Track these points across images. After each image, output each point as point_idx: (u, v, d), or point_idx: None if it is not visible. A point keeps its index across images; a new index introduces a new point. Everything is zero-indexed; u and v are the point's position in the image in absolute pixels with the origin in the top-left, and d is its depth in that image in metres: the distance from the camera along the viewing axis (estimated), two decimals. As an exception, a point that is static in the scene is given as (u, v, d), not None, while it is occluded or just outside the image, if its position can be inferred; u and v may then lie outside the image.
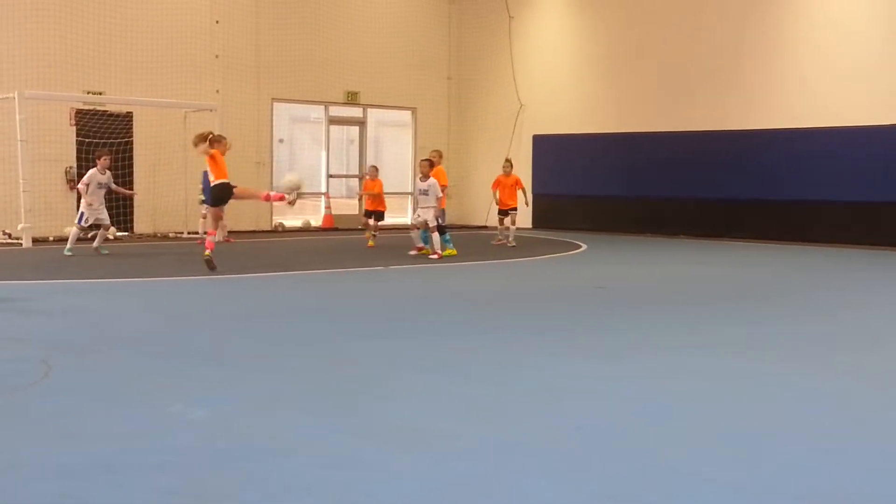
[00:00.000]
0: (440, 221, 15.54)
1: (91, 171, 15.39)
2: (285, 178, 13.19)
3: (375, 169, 18.48)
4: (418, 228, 15.94)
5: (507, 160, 19.13)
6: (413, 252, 15.82)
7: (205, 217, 17.52)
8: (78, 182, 16.18)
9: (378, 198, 18.00)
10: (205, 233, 16.93)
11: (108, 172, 15.51)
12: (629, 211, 22.35)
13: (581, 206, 23.21)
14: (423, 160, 16.17)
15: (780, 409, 5.67)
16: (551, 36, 24.17)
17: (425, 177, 15.60)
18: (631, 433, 5.03)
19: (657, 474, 4.31)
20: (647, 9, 22.17)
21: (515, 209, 18.33)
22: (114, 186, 15.74)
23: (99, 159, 15.51)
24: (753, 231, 20.15)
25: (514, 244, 17.94)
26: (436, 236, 15.40)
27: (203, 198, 17.25)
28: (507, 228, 18.32)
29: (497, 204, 18.61)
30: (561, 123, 23.51)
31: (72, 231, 15.32)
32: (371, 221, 17.84)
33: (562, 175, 23.46)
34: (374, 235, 17.70)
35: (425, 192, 15.56)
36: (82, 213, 15.20)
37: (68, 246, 15.03)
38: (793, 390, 6.20)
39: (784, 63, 19.93)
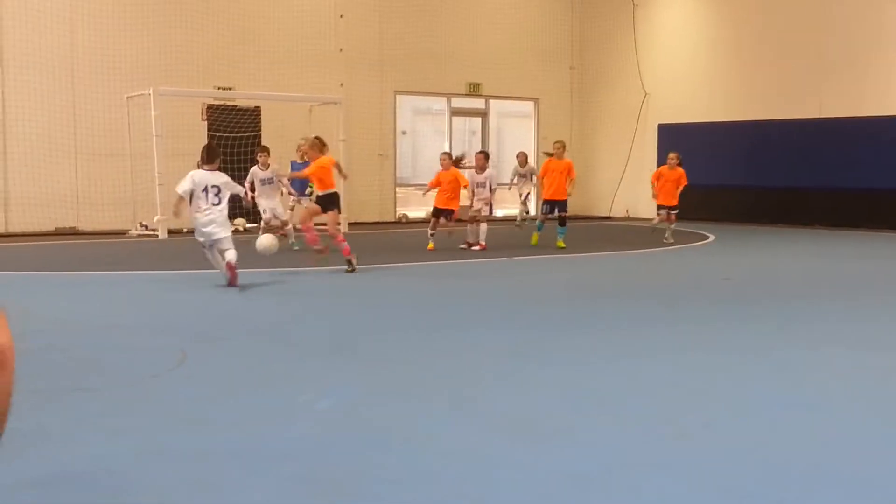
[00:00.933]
0: (548, 211, 15.63)
1: (252, 169, 15.55)
2: (261, 244, 11.99)
3: (448, 157, 15.70)
4: (476, 222, 15.53)
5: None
6: (464, 246, 15.36)
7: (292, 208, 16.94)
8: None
9: (449, 193, 15.11)
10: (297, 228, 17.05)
11: (270, 167, 15.47)
12: (757, 201, 21.73)
13: (708, 196, 22.68)
14: (478, 153, 16.35)
15: (921, 408, 5.42)
16: (676, 23, 23.69)
17: (481, 169, 15.69)
18: (761, 433, 4.88)
19: (787, 475, 4.17)
20: (777, -8, 21.50)
21: (675, 207, 17.02)
22: (283, 180, 15.62)
23: (259, 156, 15.64)
24: (893, 221, 19.30)
25: (672, 241, 16.68)
26: (483, 227, 15.35)
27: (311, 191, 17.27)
28: (664, 222, 17.07)
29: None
30: (686, 112, 23.01)
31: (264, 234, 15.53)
32: (442, 221, 15.31)
33: (688, 164, 22.81)
34: (450, 233, 15.56)
35: (482, 185, 15.61)
36: (264, 210, 15.37)
37: (290, 240, 15.29)
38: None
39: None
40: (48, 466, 4.21)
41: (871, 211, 19.77)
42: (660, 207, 17.14)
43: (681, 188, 16.88)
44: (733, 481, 4.06)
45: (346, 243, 11.85)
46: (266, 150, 15.90)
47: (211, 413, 5.21)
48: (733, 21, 22.39)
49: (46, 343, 7.09)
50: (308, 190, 17.33)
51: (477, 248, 15.16)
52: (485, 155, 16.09)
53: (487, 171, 15.71)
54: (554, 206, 15.67)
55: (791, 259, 14.57)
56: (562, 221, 15.53)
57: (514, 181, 19.35)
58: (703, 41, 23.13)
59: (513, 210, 21.08)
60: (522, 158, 19.90)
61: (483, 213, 15.58)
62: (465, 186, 15.25)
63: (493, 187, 15.74)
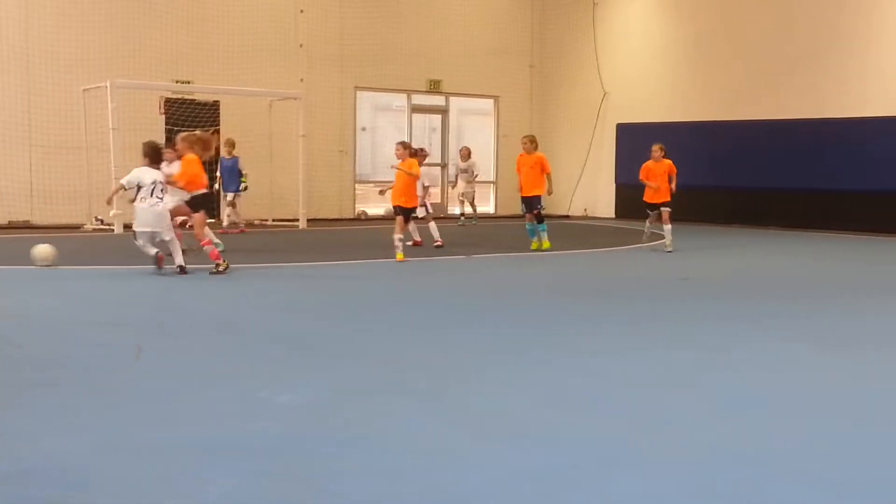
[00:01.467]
0: (526, 210, 15.02)
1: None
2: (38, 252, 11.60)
3: (403, 146, 13.68)
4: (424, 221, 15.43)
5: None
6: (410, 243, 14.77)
7: (232, 206, 17.90)
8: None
9: (404, 188, 13.27)
10: (234, 223, 17.55)
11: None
12: (715, 201, 21.93)
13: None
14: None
15: (870, 399, 5.51)
16: (636, 22, 23.85)
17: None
18: (722, 427, 4.93)
19: (748, 469, 4.21)
20: (736, -6, 21.73)
21: (668, 203, 15.01)
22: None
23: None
24: (847, 222, 19.56)
25: (671, 249, 14.79)
26: (433, 224, 15.25)
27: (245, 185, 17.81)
28: (658, 223, 15.21)
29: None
30: (646, 111, 23.16)
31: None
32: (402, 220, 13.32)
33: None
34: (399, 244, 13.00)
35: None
36: None
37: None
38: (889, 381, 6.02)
39: (881, 48, 19.34)
40: (10, 463, 4.14)
41: (830, 212, 20.03)
42: (650, 207, 15.20)
43: (673, 181, 15.10)
44: (701, 478, 4.09)
45: (211, 247, 11.37)
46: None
47: (172, 407, 5.16)
48: (693, 21, 22.59)
49: (4, 339, 6.97)
50: (242, 185, 17.59)
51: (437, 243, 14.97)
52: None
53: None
54: (528, 204, 14.58)
55: (749, 259, 14.74)
56: (538, 219, 14.65)
57: (456, 176, 19.88)
58: (662, 41, 23.31)
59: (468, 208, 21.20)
60: (465, 153, 20.41)
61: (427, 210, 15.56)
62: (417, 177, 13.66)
63: (426, 184, 15.88)
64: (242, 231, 17.68)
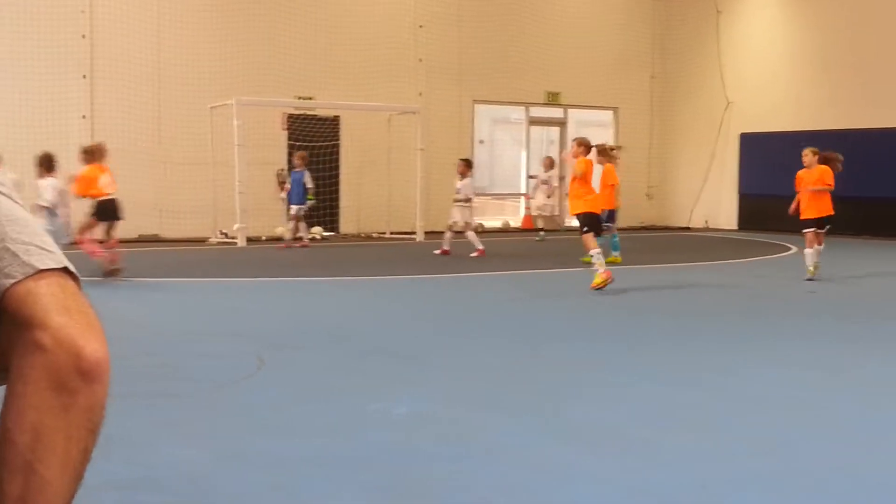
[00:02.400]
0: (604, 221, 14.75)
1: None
2: None
3: (577, 143, 11.53)
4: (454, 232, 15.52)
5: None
6: (437, 251, 15.45)
7: (296, 220, 17.26)
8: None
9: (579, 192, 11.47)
10: (298, 237, 17.14)
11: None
12: (846, 212, 21.08)
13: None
14: (461, 160, 16.47)
15: None
16: (762, 30, 23.25)
17: (462, 176, 15.76)
18: (844, 447, 4.71)
19: (868, 492, 4.01)
20: (865, -2, 20.97)
21: (826, 220, 12.30)
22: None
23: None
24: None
25: (811, 276, 12.03)
26: (471, 234, 15.46)
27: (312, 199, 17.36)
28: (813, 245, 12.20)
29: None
30: (771, 121, 22.52)
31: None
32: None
33: (772, 174, 22.45)
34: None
35: (458, 191, 15.79)
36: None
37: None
38: None
39: None
40: (131, 470, 4.25)
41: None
42: (805, 224, 12.22)
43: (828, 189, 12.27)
44: (814, 497, 3.92)
45: (100, 256, 11.53)
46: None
47: (289, 419, 5.22)
48: (818, 28, 21.89)
49: (129, 348, 7.20)
50: (309, 201, 17.16)
51: (474, 254, 15.01)
52: (466, 162, 16.13)
53: (467, 179, 15.78)
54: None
55: (882, 272, 14.14)
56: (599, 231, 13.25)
57: (535, 188, 19.07)
58: (787, 49, 22.65)
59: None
60: (548, 163, 19.66)
61: (460, 224, 15.55)
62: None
63: (470, 196, 15.78)
64: (305, 246, 17.17)
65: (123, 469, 4.24)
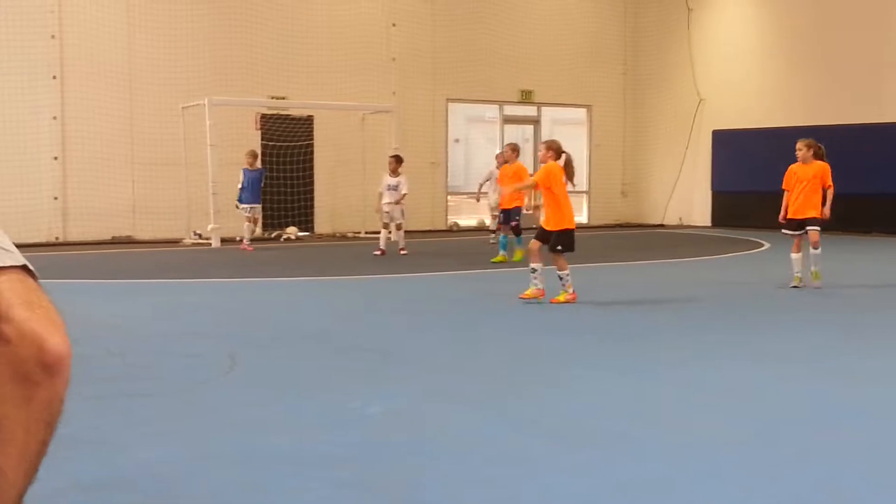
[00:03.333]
0: (500, 221, 14.81)
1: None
2: None
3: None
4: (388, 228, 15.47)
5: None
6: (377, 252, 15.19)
7: (251, 221, 16.65)
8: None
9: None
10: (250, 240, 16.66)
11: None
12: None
13: (763, 203, 22.33)
14: (391, 156, 16.10)
15: None
16: (733, 27, 23.40)
17: (394, 173, 15.55)
18: (813, 440, 4.75)
19: (839, 484, 4.05)
20: (835, -5, 21.16)
21: (816, 220, 11.10)
22: None
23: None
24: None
25: (796, 284, 10.91)
26: (401, 233, 15.59)
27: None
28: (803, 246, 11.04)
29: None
30: (742, 118, 22.69)
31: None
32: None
33: (743, 171, 22.62)
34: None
35: (395, 188, 15.49)
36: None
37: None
38: None
39: None
40: (100, 470, 4.23)
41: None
42: (792, 224, 11.12)
43: (829, 191, 11.28)
44: (788, 489, 3.95)
45: None
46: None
47: (261, 418, 5.21)
48: (790, 25, 22.06)
49: (101, 348, 7.15)
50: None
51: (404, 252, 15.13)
52: (396, 158, 15.75)
53: (401, 177, 15.46)
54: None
55: (850, 265, 14.28)
56: (516, 232, 14.17)
57: (483, 184, 17.86)
58: (760, 45, 22.82)
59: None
60: (501, 160, 17.52)
61: (397, 221, 15.51)
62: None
63: (404, 192, 15.44)
64: (245, 249, 16.43)
65: (94, 469, 4.22)
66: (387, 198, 15.48)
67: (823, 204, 11.07)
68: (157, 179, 18.95)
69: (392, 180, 15.54)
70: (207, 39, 19.30)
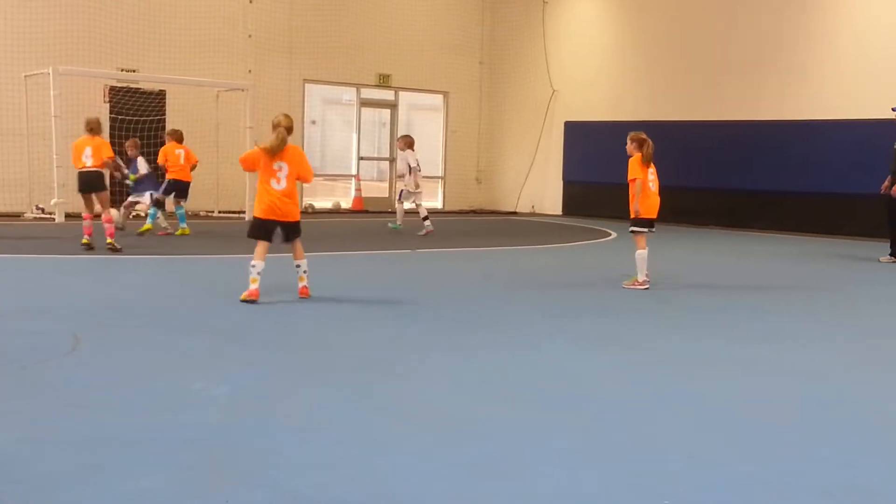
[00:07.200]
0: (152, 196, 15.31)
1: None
2: None
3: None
4: None
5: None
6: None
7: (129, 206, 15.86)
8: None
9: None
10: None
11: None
12: (660, 200, 22.08)
13: (612, 195, 23.06)
14: (407, 135, 17.23)
15: (799, 399, 5.62)
16: (586, 22, 24.01)
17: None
18: (651, 421, 5.00)
19: (673, 464, 4.28)
20: (684, -4, 21.98)
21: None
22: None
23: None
24: (785, 223, 19.95)
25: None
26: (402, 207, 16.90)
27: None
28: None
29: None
30: (593, 111, 23.35)
31: None
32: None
33: (593, 163, 23.29)
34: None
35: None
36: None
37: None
38: (800, 376, 6.15)
39: (821, 54, 19.67)
40: (-71, 451, 4.07)
41: (764, 212, 20.39)
42: (645, 223, 10.81)
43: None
44: (624, 469, 4.15)
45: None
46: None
47: (104, 399, 5.11)
48: (641, 22, 22.79)
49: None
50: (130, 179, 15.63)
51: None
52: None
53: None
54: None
55: (689, 256, 14.92)
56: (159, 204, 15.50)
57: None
58: (612, 41, 23.48)
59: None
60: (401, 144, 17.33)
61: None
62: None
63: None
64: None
65: (-79, 451, 4.07)
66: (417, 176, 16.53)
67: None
68: (-3, 150, 18.11)
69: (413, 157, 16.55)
70: (53, 4, 18.51)
